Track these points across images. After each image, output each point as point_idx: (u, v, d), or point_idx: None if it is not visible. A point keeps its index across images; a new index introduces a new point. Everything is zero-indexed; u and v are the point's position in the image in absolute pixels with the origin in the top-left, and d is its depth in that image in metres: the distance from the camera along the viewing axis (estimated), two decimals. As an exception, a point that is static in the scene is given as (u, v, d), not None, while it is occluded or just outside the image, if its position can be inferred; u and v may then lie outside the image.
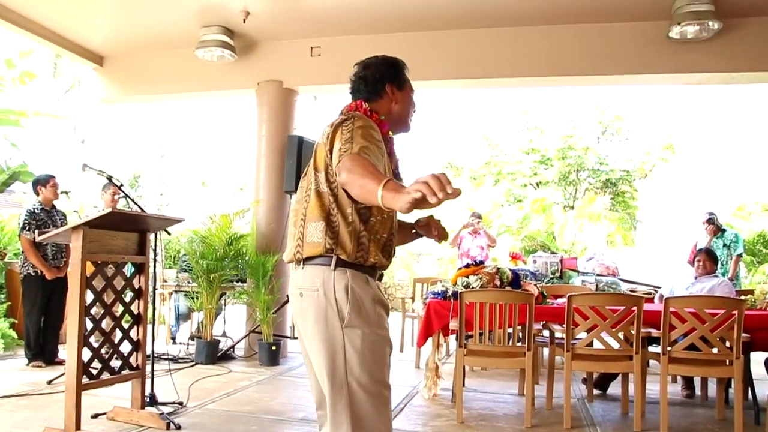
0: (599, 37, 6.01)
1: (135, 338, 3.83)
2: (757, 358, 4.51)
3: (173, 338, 7.36)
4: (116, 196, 5.96)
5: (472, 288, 4.44)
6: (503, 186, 16.91)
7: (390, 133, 2.13)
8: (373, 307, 1.94)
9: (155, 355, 5.60)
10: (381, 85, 2.12)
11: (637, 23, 5.87)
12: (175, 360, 6.06)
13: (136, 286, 3.85)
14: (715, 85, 7.72)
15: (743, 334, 3.92)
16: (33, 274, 5.72)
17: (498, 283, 4.54)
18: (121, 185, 4.01)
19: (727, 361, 3.92)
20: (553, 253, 7.48)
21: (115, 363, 3.76)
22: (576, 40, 6.06)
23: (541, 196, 15.29)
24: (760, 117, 17.83)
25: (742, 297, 4.59)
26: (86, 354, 3.48)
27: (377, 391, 1.90)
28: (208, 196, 19.38)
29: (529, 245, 12.73)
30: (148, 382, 4.01)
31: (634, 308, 3.91)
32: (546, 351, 5.44)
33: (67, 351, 3.32)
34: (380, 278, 2.10)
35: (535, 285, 4.75)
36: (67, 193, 5.83)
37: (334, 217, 1.93)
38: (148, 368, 4.02)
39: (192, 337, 7.02)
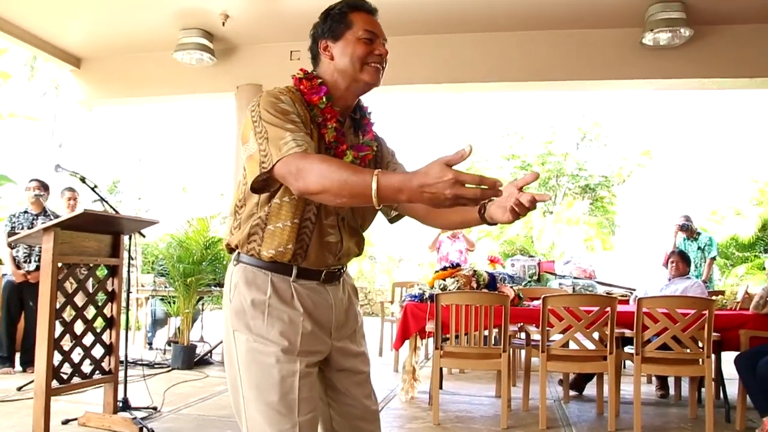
0: (576, 44, 6.09)
1: (108, 342, 3.79)
2: (727, 357, 4.57)
3: (150, 344, 7.29)
4: (71, 201, 5.99)
5: (449, 290, 4.46)
6: (483, 191, 16.98)
7: (324, 100, 1.71)
8: (259, 311, 1.65)
9: (131, 360, 5.59)
10: (315, 47, 1.79)
11: (612, 30, 5.96)
12: (151, 365, 5.99)
13: (110, 289, 3.81)
14: (688, 91, 7.83)
15: (714, 334, 3.99)
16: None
17: (474, 285, 4.56)
18: (95, 186, 3.97)
19: (699, 360, 3.98)
20: (531, 256, 7.54)
21: (88, 368, 3.72)
22: (554, 46, 6.14)
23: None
24: (732, 123, 18.18)
25: (713, 297, 4.67)
26: (58, 359, 3.44)
27: (272, 416, 1.60)
28: (188, 201, 19.21)
29: (509, 249, 12.82)
30: (121, 387, 3.97)
31: (608, 309, 3.96)
32: (524, 353, 5.48)
33: (37, 354, 3.28)
34: (325, 279, 1.74)
35: (512, 287, 4.79)
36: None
37: (240, 202, 1.71)
38: (122, 373, 3.99)
39: (169, 342, 6.95)
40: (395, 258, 14.95)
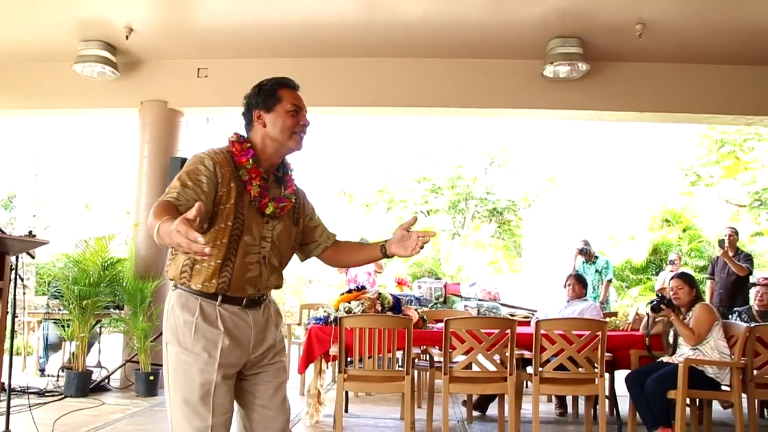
0: (482, 73, 6.29)
1: (-13, 371, 3.52)
2: (620, 375, 4.82)
3: (42, 370, 6.83)
4: None
5: (354, 313, 4.46)
6: (395, 213, 17.25)
7: (250, 161, 2.07)
8: (187, 329, 2.01)
9: (18, 389, 5.21)
10: (250, 115, 2.14)
11: (516, 61, 6.20)
12: (41, 393, 5.61)
13: (-9, 314, 3.55)
14: (585, 122, 8.29)
15: (607, 354, 4.19)
16: None
17: (379, 308, 4.58)
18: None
19: (593, 379, 4.17)
20: (438, 278, 7.68)
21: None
22: (460, 74, 6.31)
23: (431, 223, 15.73)
24: (629, 154, 19.38)
25: (608, 319, 4.92)
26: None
27: (189, 414, 1.98)
28: (91, 219, 18.25)
29: (417, 271, 13.00)
30: (2, 418, 3.69)
31: (508, 331, 4.08)
32: (428, 375, 5.54)
33: None
34: (246, 305, 2.08)
35: (416, 310, 4.84)
36: None
37: None
38: (3, 403, 3.71)
39: (63, 368, 6.54)
40: (305, 279, 14.81)
